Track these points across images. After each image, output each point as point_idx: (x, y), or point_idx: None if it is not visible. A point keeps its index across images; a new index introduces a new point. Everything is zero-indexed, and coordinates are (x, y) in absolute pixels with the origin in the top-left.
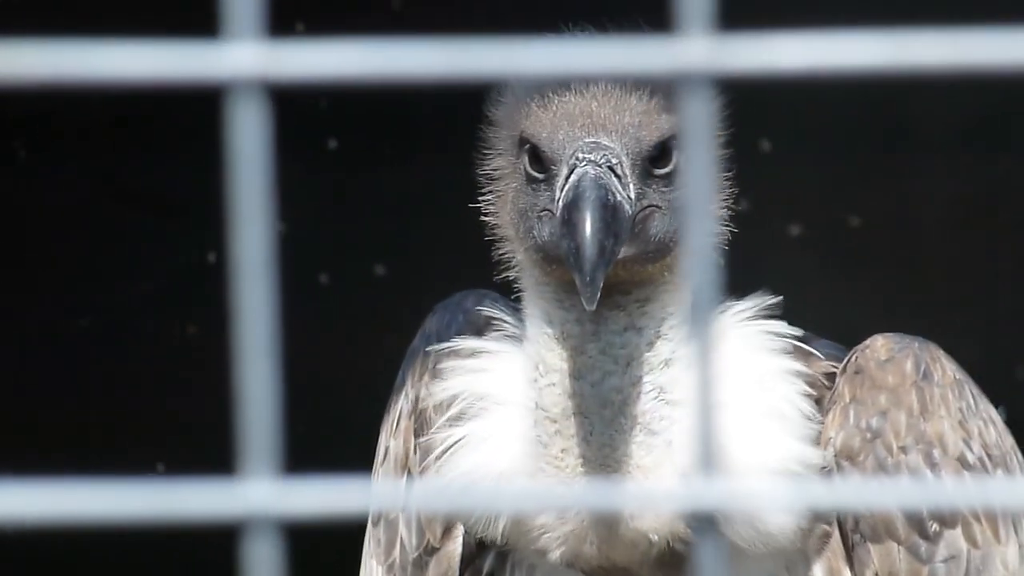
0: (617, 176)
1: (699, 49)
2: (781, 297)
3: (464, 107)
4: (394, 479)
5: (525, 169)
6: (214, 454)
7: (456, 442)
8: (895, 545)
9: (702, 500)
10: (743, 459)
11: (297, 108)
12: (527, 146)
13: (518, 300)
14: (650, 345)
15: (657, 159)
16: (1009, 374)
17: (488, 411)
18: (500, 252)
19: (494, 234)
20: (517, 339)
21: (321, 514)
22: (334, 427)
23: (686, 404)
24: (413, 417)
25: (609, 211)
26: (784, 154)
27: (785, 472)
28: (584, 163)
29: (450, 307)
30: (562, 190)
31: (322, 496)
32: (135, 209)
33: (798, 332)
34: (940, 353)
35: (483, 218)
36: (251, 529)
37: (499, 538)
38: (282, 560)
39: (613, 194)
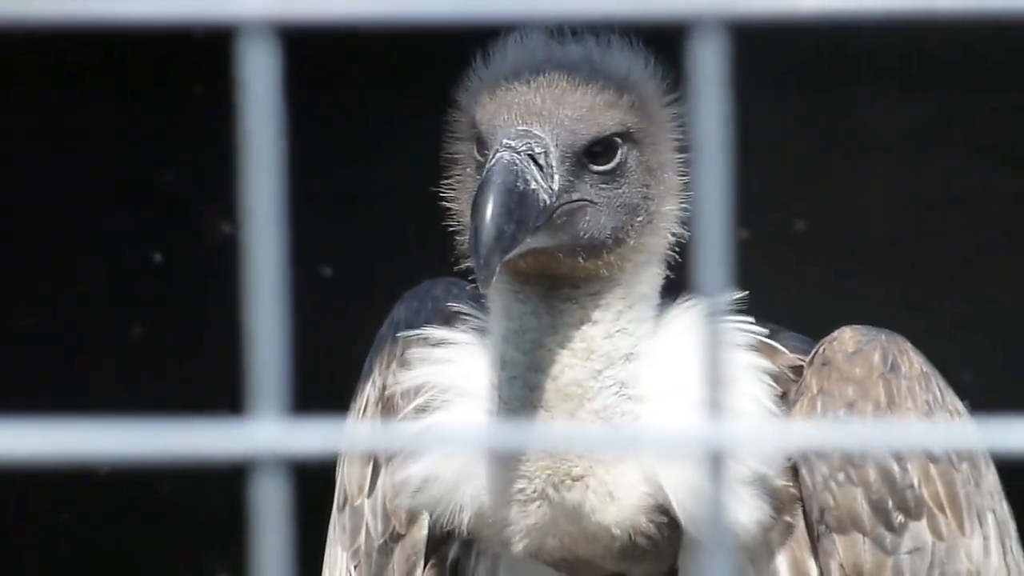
0: (538, 165)
1: None
2: (747, 292)
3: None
4: (361, 467)
5: (474, 157)
6: None
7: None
8: (860, 536)
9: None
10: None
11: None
12: (475, 131)
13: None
14: (609, 338)
15: (597, 155)
16: (956, 378)
17: (452, 402)
18: (460, 239)
19: (454, 221)
20: (483, 331)
21: (327, 453)
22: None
23: (648, 399)
24: (380, 404)
25: (515, 197)
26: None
27: (750, 468)
28: (504, 149)
29: (419, 295)
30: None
31: (327, 435)
32: (79, 207)
33: (765, 327)
34: (907, 346)
35: (443, 204)
36: (258, 468)
37: (464, 529)
38: (289, 499)
39: (525, 181)
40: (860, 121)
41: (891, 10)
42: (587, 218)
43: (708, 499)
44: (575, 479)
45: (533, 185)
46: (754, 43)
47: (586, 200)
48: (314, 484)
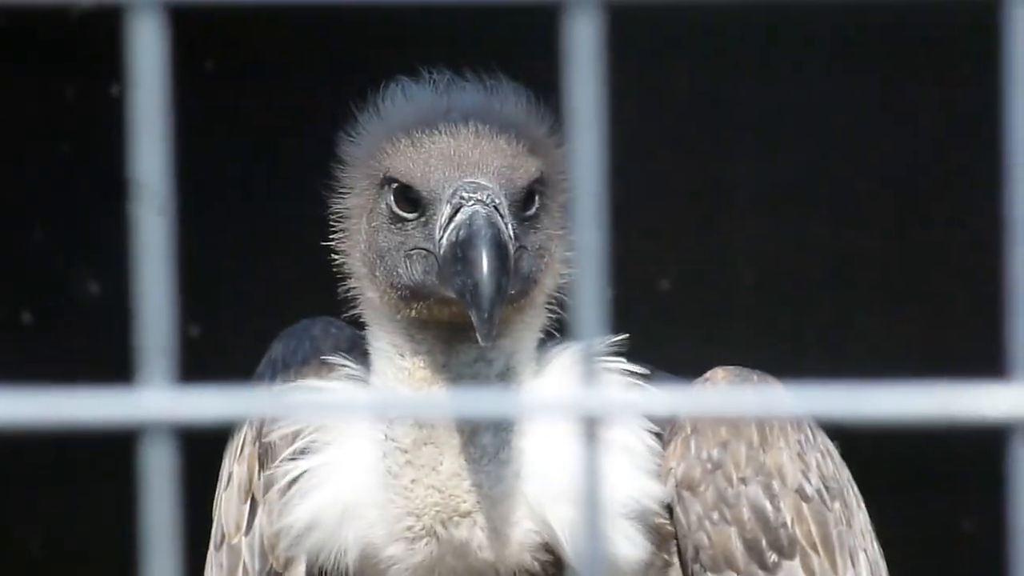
0: (500, 215)
1: None
2: (626, 335)
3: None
4: (238, 505)
5: (390, 208)
6: None
7: (301, 475)
8: (735, 575)
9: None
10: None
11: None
12: (394, 185)
13: (360, 328)
14: (500, 376)
15: (525, 201)
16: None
17: (332, 444)
18: (347, 290)
19: (341, 271)
20: (359, 379)
21: (215, 420)
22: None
23: (533, 434)
24: (257, 444)
25: (503, 249)
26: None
27: (632, 505)
28: (471, 202)
29: (296, 333)
30: (445, 228)
31: (216, 403)
32: None
33: (641, 368)
34: (779, 386)
35: (332, 255)
36: (148, 435)
37: (348, 570)
38: (177, 466)
39: (502, 232)
40: (723, 176)
41: None
42: (524, 263)
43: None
44: (463, 515)
45: (505, 236)
46: (621, 102)
47: (523, 246)
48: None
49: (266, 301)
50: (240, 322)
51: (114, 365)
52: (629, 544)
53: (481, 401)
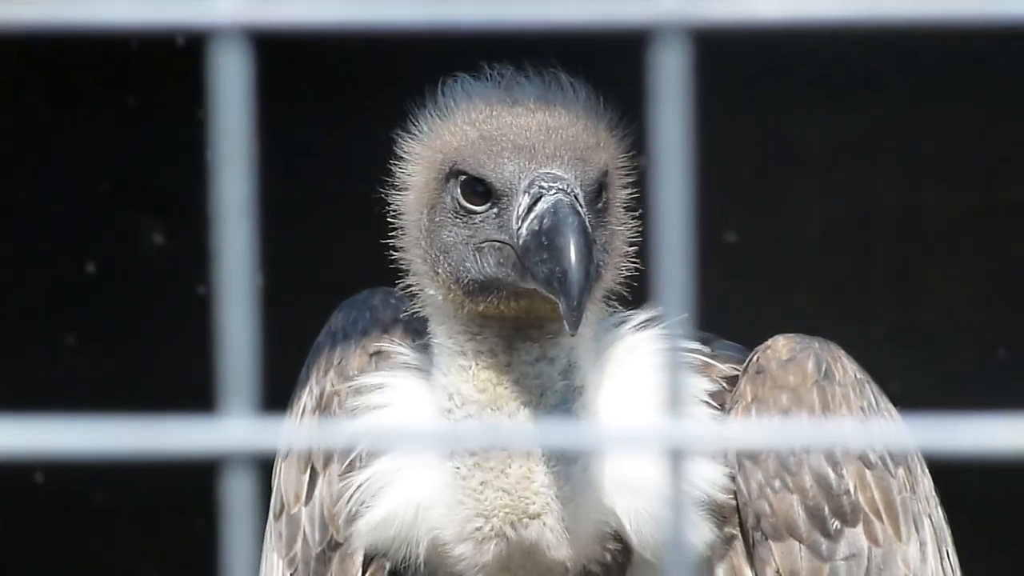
0: (581, 205)
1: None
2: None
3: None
4: (297, 475)
5: (457, 202)
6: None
7: (370, 480)
8: (796, 543)
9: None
10: (656, 480)
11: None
12: (462, 178)
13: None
14: (563, 374)
15: (596, 195)
16: (885, 389)
17: (398, 445)
18: (406, 287)
19: (401, 269)
20: (418, 369)
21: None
22: None
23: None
24: (317, 412)
25: (589, 238)
26: None
27: (695, 494)
28: (552, 191)
29: (356, 304)
30: (524, 219)
31: (296, 433)
32: (11, 219)
33: (700, 337)
34: (841, 353)
35: (392, 255)
36: (230, 464)
37: (421, 566)
38: (258, 494)
39: (586, 221)
40: (793, 133)
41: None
42: (597, 257)
43: (667, 510)
44: (532, 517)
45: (588, 225)
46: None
47: (594, 240)
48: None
49: (334, 255)
50: (307, 274)
51: (176, 316)
52: (695, 529)
53: (557, 433)
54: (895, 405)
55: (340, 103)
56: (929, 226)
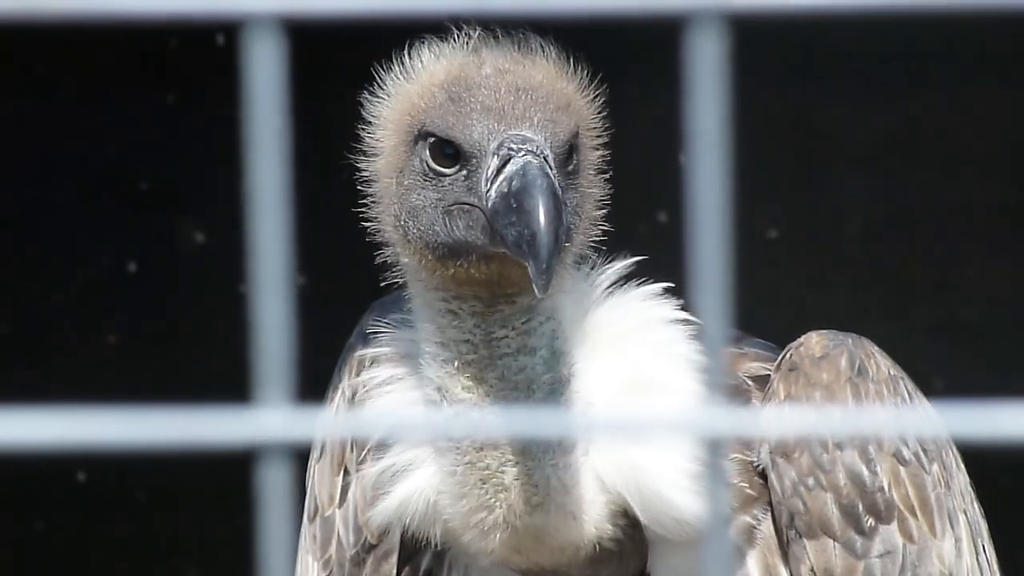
0: (550, 167)
1: None
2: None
3: None
4: (331, 477)
5: (426, 164)
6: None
7: (384, 470)
8: (831, 541)
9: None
10: (660, 456)
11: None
12: (431, 140)
13: None
14: (547, 365)
15: (566, 158)
16: (927, 384)
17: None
18: (383, 257)
19: (377, 239)
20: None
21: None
22: None
23: (590, 409)
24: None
25: (557, 200)
26: None
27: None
28: (521, 153)
29: (387, 305)
30: (492, 181)
31: (332, 423)
32: (53, 214)
33: (730, 337)
34: (875, 349)
35: (366, 224)
36: (265, 455)
37: (436, 541)
38: (293, 484)
39: (555, 183)
40: (833, 127)
41: (880, 6)
42: (565, 220)
43: (700, 489)
44: (535, 506)
45: (558, 187)
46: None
47: (564, 202)
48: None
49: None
50: (346, 272)
51: (217, 315)
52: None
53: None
54: (937, 400)
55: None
56: (971, 220)
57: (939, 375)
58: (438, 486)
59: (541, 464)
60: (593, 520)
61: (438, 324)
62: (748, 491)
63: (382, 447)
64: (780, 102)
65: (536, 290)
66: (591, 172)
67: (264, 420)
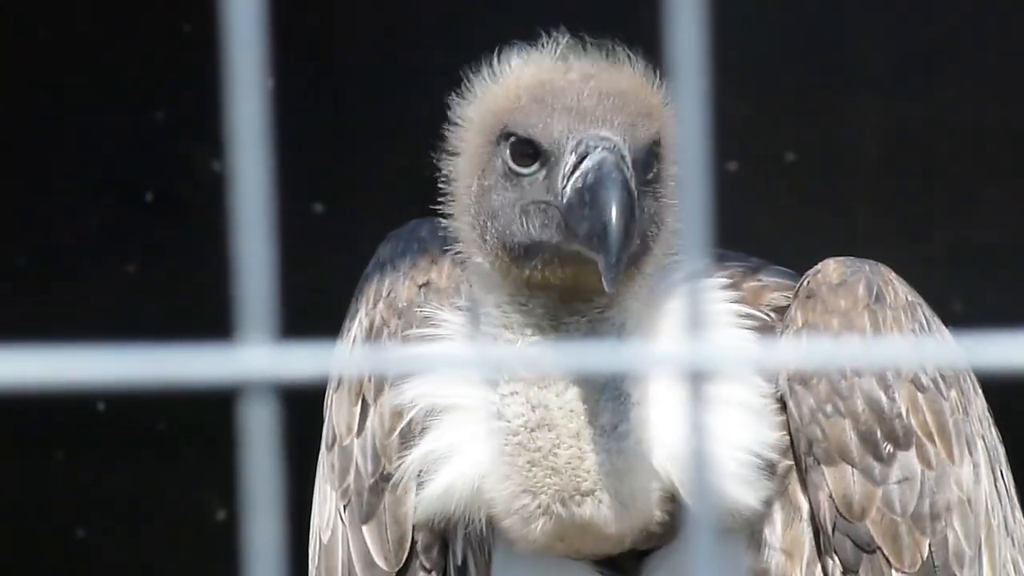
0: (627, 165)
1: None
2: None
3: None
4: (348, 407)
5: (506, 164)
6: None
7: (426, 455)
8: (849, 468)
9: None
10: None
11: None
12: (512, 139)
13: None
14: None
15: (646, 163)
16: (947, 307)
17: (449, 418)
18: (457, 254)
19: (457, 234)
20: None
21: (316, 378)
22: None
23: (648, 402)
24: (367, 343)
25: (631, 196)
26: (720, 92)
27: (750, 458)
28: (598, 150)
29: (403, 235)
30: (568, 177)
31: (317, 360)
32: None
33: (749, 262)
34: (892, 276)
35: (444, 220)
36: (248, 392)
37: (481, 527)
38: (278, 423)
39: (629, 179)
40: (852, 49)
41: None
42: (641, 227)
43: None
44: (584, 494)
45: (632, 183)
46: None
47: (642, 209)
48: (304, 411)
49: (390, 182)
50: (365, 201)
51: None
52: (749, 491)
53: (589, 356)
54: (956, 323)
55: (392, 30)
56: (990, 143)
57: (958, 297)
58: (483, 468)
59: (596, 447)
60: (642, 511)
61: (503, 311)
62: (785, 438)
63: (402, 381)
64: (798, 25)
65: (605, 284)
66: (673, 186)
67: (247, 357)
